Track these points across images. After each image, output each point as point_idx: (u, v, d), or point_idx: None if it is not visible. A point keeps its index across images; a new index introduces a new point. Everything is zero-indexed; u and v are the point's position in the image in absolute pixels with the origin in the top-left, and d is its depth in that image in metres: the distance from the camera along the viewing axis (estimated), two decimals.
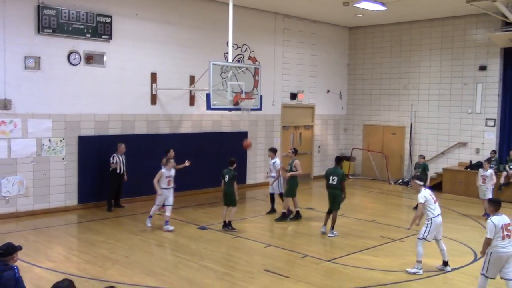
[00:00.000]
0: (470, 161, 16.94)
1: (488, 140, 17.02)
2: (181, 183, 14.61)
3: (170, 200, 11.48)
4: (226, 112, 15.23)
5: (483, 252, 7.30)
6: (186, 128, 15.45)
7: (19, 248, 5.46)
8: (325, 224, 11.33)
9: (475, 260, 9.67)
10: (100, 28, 13.23)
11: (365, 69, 20.21)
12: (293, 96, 18.53)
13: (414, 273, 8.71)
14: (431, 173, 17.88)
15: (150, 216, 11.66)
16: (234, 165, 11.57)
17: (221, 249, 10.08)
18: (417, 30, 18.60)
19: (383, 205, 15.09)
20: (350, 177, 19.96)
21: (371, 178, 19.79)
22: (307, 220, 12.73)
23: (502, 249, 7.04)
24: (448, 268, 8.92)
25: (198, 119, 15.70)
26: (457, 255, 9.93)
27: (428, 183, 13.22)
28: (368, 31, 20.03)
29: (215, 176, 13.02)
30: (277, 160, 13.12)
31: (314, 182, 19.01)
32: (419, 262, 8.78)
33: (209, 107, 12.68)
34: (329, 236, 11.12)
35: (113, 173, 12.99)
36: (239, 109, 13.22)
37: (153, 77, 14.51)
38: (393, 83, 19.35)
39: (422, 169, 14.35)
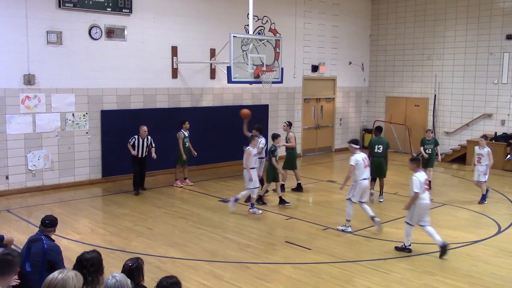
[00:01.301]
0: (495, 133, 16.64)
1: None
2: (203, 157, 14.74)
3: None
4: (247, 85, 15.19)
5: (408, 207, 8.33)
6: (207, 101, 15.47)
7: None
8: (373, 188, 11.66)
9: (499, 232, 9.60)
10: (120, 2, 13.21)
11: (387, 40, 19.84)
12: (315, 68, 18.34)
13: (342, 230, 9.46)
14: (454, 145, 17.71)
15: (237, 199, 10.94)
16: (276, 139, 11.60)
17: (243, 222, 10.18)
18: None
19: (405, 177, 14.95)
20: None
21: (393, 150, 19.57)
22: (329, 193, 12.74)
23: (423, 201, 8.21)
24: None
25: (219, 92, 15.69)
26: (481, 227, 9.87)
27: (439, 157, 12.98)
28: (391, 1, 19.59)
29: (236, 149, 13.07)
30: (263, 140, 12.01)
31: (336, 154, 18.95)
32: (347, 221, 9.53)
33: (230, 81, 12.63)
34: (380, 201, 11.68)
35: (134, 158, 12.34)
36: (260, 82, 13.15)
37: (174, 50, 14.49)
38: (416, 54, 18.98)
39: (434, 144, 13.10)
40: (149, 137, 12.43)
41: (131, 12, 13.48)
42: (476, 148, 11.98)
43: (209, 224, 9.86)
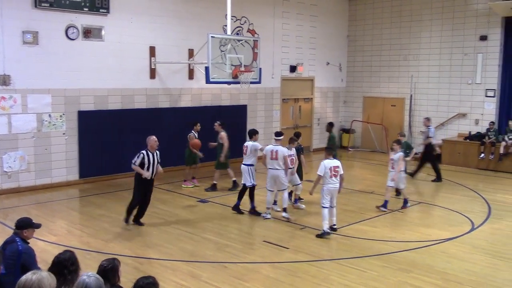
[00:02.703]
0: (470, 132, 16.97)
1: (488, 111, 17.01)
2: (181, 157, 14.71)
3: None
4: (226, 85, 15.20)
5: (312, 190, 9.75)
6: (185, 102, 15.45)
7: (37, 226, 5.53)
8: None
9: (472, 229, 9.80)
10: (97, 2, 13.11)
11: (365, 40, 20.07)
12: (293, 68, 18.45)
13: (263, 217, 10.35)
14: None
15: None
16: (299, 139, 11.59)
17: (222, 222, 10.20)
18: (417, 0, 18.41)
19: (382, 176, 15.10)
20: (349, 149, 20.04)
21: (370, 150, 19.85)
22: (306, 192, 12.82)
23: (331, 185, 9.28)
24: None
25: (198, 92, 15.69)
26: (455, 225, 10.07)
27: (410, 157, 12.77)
28: (368, 2, 19.82)
29: (214, 150, 13.08)
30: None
31: (314, 154, 19.09)
32: (267, 208, 10.48)
33: (208, 81, 12.66)
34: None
35: (141, 182, 9.54)
36: (238, 83, 13.19)
37: (152, 50, 14.44)
38: (393, 54, 19.24)
39: (405, 148, 12.42)
40: (157, 151, 9.89)
41: (109, 12, 13.39)
42: (391, 153, 11.32)
43: (188, 225, 9.87)
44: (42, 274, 3.51)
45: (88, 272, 3.98)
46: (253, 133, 11.15)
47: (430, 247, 8.70)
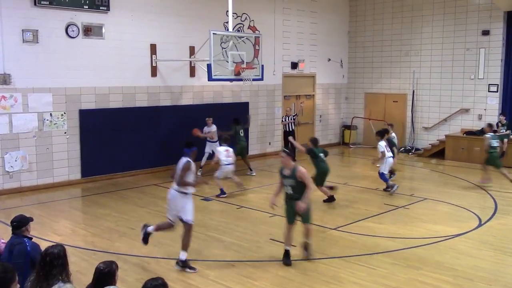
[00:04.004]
0: (473, 128, 16.90)
1: (490, 106, 16.94)
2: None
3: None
4: (227, 82, 15.13)
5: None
6: (187, 99, 15.34)
7: (31, 219, 5.49)
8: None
9: (480, 225, 9.73)
10: None
11: (366, 36, 19.97)
12: (294, 65, 18.35)
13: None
14: (433, 140, 17.91)
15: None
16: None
17: (226, 220, 10.12)
18: None
19: None
20: (351, 145, 19.97)
21: (372, 146, 19.71)
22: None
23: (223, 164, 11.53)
24: None
25: (199, 90, 15.59)
26: (462, 221, 9.99)
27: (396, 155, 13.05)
28: None
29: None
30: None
31: None
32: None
33: (210, 78, 12.56)
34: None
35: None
36: (240, 80, 13.11)
37: (153, 48, 14.33)
38: (394, 50, 19.15)
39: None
40: None
41: (109, 10, 13.27)
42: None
43: None
44: (68, 286, 3.46)
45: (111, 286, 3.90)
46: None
47: (438, 244, 8.61)
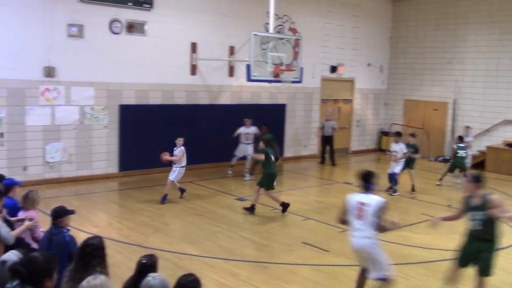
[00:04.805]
0: None
1: None
2: (219, 154, 14.73)
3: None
4: (265, 84, 15.09)
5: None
6: (225, 99, 15.41)
7: (71, 212, 5.59)
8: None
9: None
10: None
11: (408, 42, 19.63)
12: (333, 69, 18.20)
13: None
14: (474, 151, 17.44)
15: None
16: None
17: (259, 221, 10.11)
18: (464, 2, 17.88)
19: (423, 182, 14.80)
20: (387, 152, 19.62)
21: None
22: (345, 195, 12.59)
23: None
24: None
25: (237, 90, 15.64)
26: (503, 235, 9.66)
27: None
28: (412, 4, 19.37)
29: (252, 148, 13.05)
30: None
31: (352, 156, 18.80)
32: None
33: (249, 79, 12.58)
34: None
35: None
36: (279, 81, 13.08)
37: (193, 47, 14.46)
38: (437, 57, 18.75)
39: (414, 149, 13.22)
40: None
41: (152, 7, 13.46)
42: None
43: (226, 222, 9.81)
44: (102, 278, 3.52)
45: (153, 274, 3.95)
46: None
47: None
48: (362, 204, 5.94)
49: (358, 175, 6.25)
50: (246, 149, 13.89)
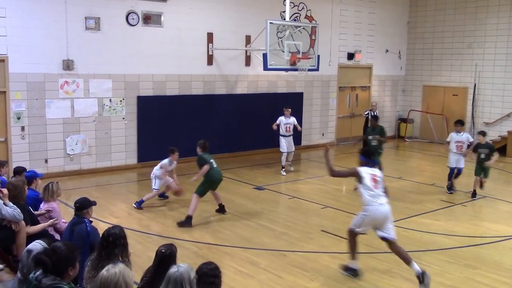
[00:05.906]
0: None
1: None
2: (236, 144, 14.76)
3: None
4: (282, 72, 15.07)
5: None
6: (241, 88, 15.40)
7: (94, 203, 5.68)
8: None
9: None
10: None
11: (426, 27, 19.35)
12: (350, 56, 18.05)
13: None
14: (494, 136, 17.19)
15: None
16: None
17: (278, 209, 10.14)
18: None
19: (442, 168, 14.64)
20: (406, 139, 19.50)
21: (428, 140, 19.21)
22: None
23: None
24: None
25: (254, 79, 15.60)
26: None
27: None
28: None
29: (270, 137, 13.02)
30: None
31: None
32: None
33: (266, 67, 12.55)
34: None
35: None
36: (296, 70, 13.02)
37: (209, 37, 14.45)
38: (456, 42, 18.46)
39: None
40: None
41: None
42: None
43: (244, 211, 9.85)
44: (121, 266, 3.59)
45: (179, 264, 4.00)
46: None
47: (497, 243, 8.30)
48: (375, 175, 6.80)
49: (362, 153, 7.22)
50: (289, 142, 13.23)
